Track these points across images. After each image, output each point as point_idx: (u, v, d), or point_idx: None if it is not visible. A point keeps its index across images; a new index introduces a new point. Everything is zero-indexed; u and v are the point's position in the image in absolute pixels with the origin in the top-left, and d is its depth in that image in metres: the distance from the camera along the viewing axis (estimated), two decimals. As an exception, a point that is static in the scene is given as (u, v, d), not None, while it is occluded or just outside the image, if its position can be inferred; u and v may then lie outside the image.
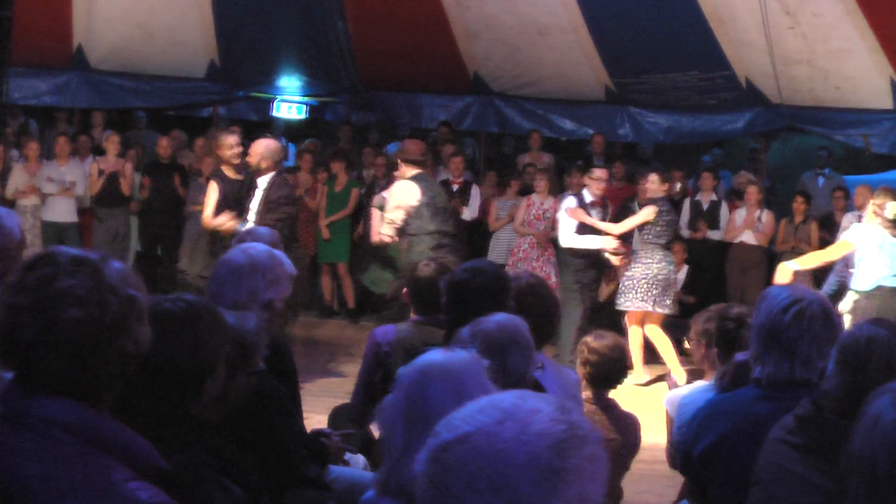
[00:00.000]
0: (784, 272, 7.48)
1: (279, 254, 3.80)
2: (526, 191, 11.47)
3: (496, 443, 1.38)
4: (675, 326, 9.43)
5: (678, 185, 11.49)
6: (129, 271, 2.01)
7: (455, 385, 2.47)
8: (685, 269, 11.15)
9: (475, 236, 11.70)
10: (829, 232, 11.05)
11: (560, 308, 4.30)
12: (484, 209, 11.79)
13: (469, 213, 11.67)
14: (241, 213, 8.08)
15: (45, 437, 1.88)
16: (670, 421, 4.63)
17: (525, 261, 10.64)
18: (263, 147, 8.20)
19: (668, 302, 9.27)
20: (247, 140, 8.96)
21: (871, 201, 8.07)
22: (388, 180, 11.63)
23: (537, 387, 3.33)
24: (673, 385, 8.41)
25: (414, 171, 8.09)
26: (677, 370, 9.00)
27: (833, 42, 10.91)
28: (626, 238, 10.56)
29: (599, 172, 9.67)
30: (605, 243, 9.29)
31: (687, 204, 11.77)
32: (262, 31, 13.26)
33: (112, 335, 1.92)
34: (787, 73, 11.43)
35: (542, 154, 13.04)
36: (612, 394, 4.82)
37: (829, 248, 8.33)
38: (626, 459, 4.67)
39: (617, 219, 9.79)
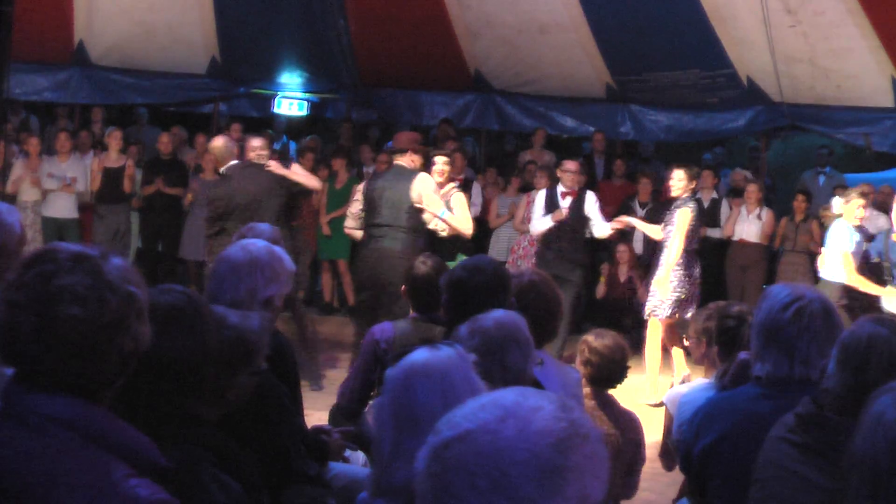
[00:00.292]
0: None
1: (279, 250, 3.79)
2: (527, 188, 11.46)
3: (497, 440, 1.37)
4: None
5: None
6: (129, 268, 2.01)
7: (441, 383, 2.47)
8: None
9: (476, 234, 11.68)
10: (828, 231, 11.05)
11: (562, 306, 4.28)
12: (484, 207, 11.78)
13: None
14: None
15: (45, 433, 1.88)
16: (669, 419, 4.62)
17: (525, 258, 10.64)
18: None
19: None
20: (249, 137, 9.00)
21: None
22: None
23: (536, 385, 3.32)
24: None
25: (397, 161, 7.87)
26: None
27: (834, 41, 10.91)
28: (626, 237, 10.57)
29: (570, 164, 9.63)
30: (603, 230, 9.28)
31: (687, 202, 11.75)
32: (263, 27, 13.25)
33: (111, 333, 1.92)
34: (788, 71, 11.43)
35: (544, 152, 13.03)
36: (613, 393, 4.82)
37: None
38: (627, 457, 4.66)
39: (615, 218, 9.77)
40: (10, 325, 1.91)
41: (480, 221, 11.74)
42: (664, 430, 4.78)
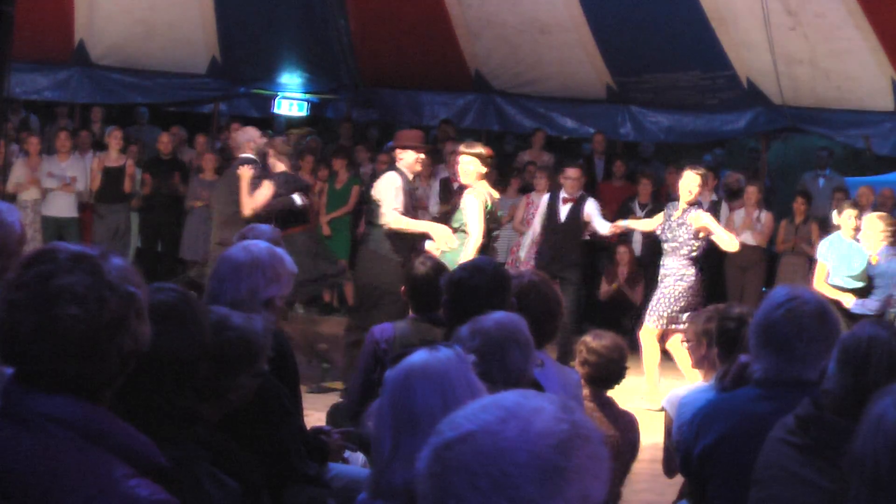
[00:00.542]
0: None
1: (280, 251, 3.79)
2: (526, 189, 11.46)
3: (499, 441, 1.37)
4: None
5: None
6: (129, 268, 2.01)
7: (439, 384, 2.47)
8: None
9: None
10: (829, 233, 11.04)
11: (562, 307, 4.29)
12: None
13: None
14: None
15: (44, 433, 1.88)
16: (669, 422, 4.61)
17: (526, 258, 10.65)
18: None
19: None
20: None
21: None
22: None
23: (536, 386, 3.32)
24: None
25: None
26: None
27: (834, 42, 10.92)
28: (625, 238, 10.57)
29: (571, 171, 9.66)
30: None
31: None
32: (263, 27, 13.26)
33: (111, 333, 1.92)
34: (788, 73, 11.44)
35: (543, 153, 13.03)
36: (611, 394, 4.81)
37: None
38: (625, 458, 4.66)
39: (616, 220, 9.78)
40: (9, 325, 1.91)
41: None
42: (665, 432, 4.77)
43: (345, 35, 13.38)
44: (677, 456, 3.55)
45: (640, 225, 9.38)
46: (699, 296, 8.52)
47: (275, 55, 13.84)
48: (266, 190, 7.96)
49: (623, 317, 10.83)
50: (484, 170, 7.49)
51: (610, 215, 10.25)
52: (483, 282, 3.88)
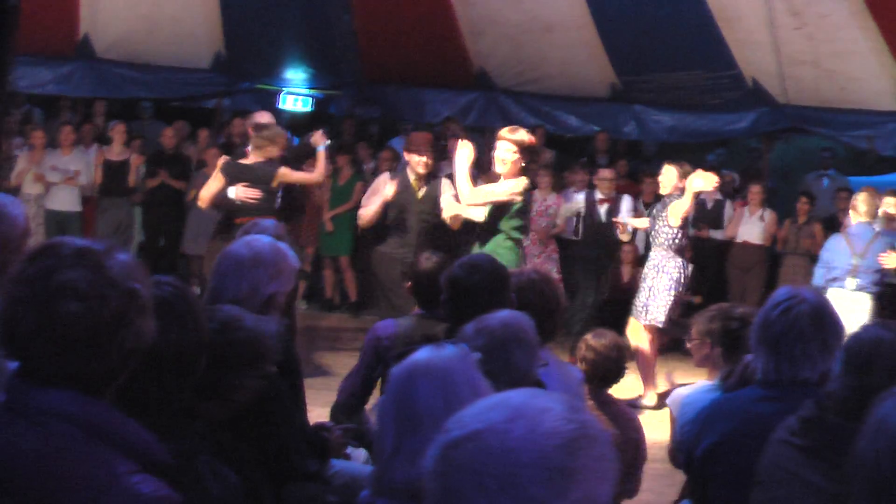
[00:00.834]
0: None
1: (284, 246, 3.79)
2: (528, 186, 11.44)
3: (506, 441, 1.37)
4: (677, 326, 9.39)
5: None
6: (133, 263, 2.00)
7: (442, 382, 2.47)
8: (689, 268, 11.14)
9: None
10: (832, 233, 11.04)
11: (563, 305, 4.29)
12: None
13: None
14: None
15: (47, 428, 1.88)
16: (674, 420, 4.61)
17: (527, 257, 10.63)
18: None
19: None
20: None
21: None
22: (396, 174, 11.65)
23: (539, 385, 3.33)
24: (670, 382, 8.35)
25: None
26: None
27: (839, 43, 10.90)
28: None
29: (605, 172, 9.68)
30: None
31: (690, 202, 11.75)
32: (267, 22, 13.25)
33: (112, 329, 1.91)
34: (792, 73, 11.43)
35: (544, 150, 13.02)
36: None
37: None
38: (626, 456, 4.66)
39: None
40: (11, 320, 1.91)
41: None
42: (671, 431, 4.77)
43: (349, 31, 13.36)
44: (680, 456, 3.55)
45: (637, 222, 9.42)
46: (681, 289, 8.55)
47: (279, 51, 13.83)
48: (214, 182, 8.05)
49: (626, 316, 10.82)
50: (515, 157, 6.82)
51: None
52: (481, 279, 3.90)
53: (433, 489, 1.41)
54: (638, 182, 11.89)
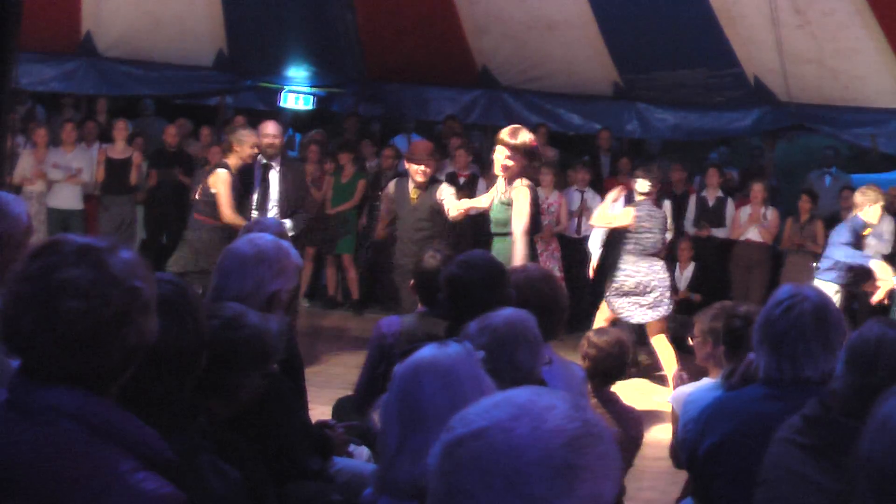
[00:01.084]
0: None
1: (286, 244, 3.79)
2: (530, 185, 11.43)
3: (511, 438, 1.38)
4: (680, 324, 9.40)
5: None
6: (137, 261, 2.00)
7: (447, 380, 2.47)
8: (691, 266, 11.15)
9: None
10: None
11: (565, 303, 4.29)
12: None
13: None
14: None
15: (51, 425, 1.88)
16: (676, 419, 4.61)
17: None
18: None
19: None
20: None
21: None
22: (395, 172, 11.65)
23: (542, 383, 3.33)
24: (680, 380, 8.37)
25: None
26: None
27: (842, 41, 10.89)
28: None
29: (640, 173, 9.66)
30: None
31: (692, 201, 11.75)
32: (270, 20, 13.25)
33: (114, 327, 1.91)
34: (795, 71, 11.42)
35: (547, 148, 13.01)
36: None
37: None
38: (627, 454, 4.66)
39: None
40: (13, 317, 1.91)
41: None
42: (673, 431, 4.76)
43: (351, 29, 13.36)
44: (683, 454, 3.55)
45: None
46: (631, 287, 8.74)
47: (281, 48, 13.83)
48: None
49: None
50: (510, 163, 6.81)
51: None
52: (477, 276, 3.92)
53: (437, 487, 1.41)
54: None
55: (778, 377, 3.10)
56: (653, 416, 7.16)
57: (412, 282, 5.04)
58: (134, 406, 2.06)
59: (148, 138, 12.72)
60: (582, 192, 11.38)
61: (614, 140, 13.15)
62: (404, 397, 2.50)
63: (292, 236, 8.07)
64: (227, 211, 8.05)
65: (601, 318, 8.90)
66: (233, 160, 8.15)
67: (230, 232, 7.77)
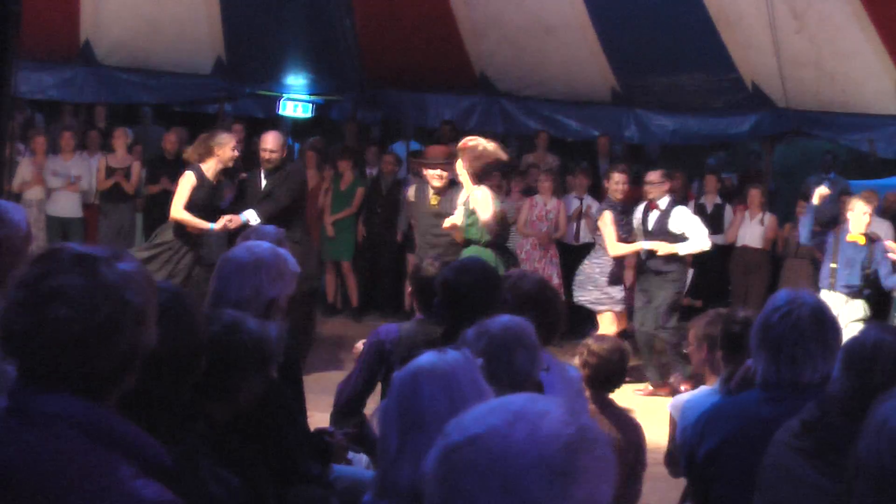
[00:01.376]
0: None
1: (284, 251, 3.81)
2: (529, 192, 11.46)
3: (507, 444, 1.38)
4: (680, 330, 9.40)
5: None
6: (138, 272, 2.00)
7: (447, 386, 2.48)
8: (690, 271, 11.14)
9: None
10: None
11: (561, 308, 4.30)
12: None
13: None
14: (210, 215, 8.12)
15: (51, 432, 1.88)
16: (674, 427, 4.60)
17: (527, 262, 10.64)
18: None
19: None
20: (255, 137, 8.96)
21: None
22: (394, 178, 11.67)
23: (539, 389, 3.33)
24: (676, 387, 8.43)
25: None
26: None
27: (840, 45, 10.91)
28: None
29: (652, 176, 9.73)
30: None
31: (691, 206, 11.76)
32: (269, 28, 13.27)
33: (103, 336, 1.91)
34: (793, 75, 11.43)
35: (547, 155, 13.03)
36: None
37: None
38: (628, 460, 4.66)
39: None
40: (7, 321, 1.93)
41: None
42: (669, 437, 4.77)
43: (350, 36, 13.38)
44: (681, 459, 3.55)
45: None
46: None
47: (280, 56, 13.85)
48: None
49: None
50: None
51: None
52: (472, 281, 3.93)
53: (434, 493, 1.42)
54: (639, 185, 11.87)
55: (776, 381, 3.11)
56: (651, 421, 7.15)
57: (409, 288, 5.04)
58: (133, 412, 2.06)
59: (146, 145, 12.73)
60: (581, 199, 11.35)
61: (613, 145, 13.16)
62: (404, 402, 2.51)
63: None
64: (174, 209, 8.05)
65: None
66: (213, 164, 8.07)
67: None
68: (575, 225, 11.29)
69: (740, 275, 11.33)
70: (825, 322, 3.12)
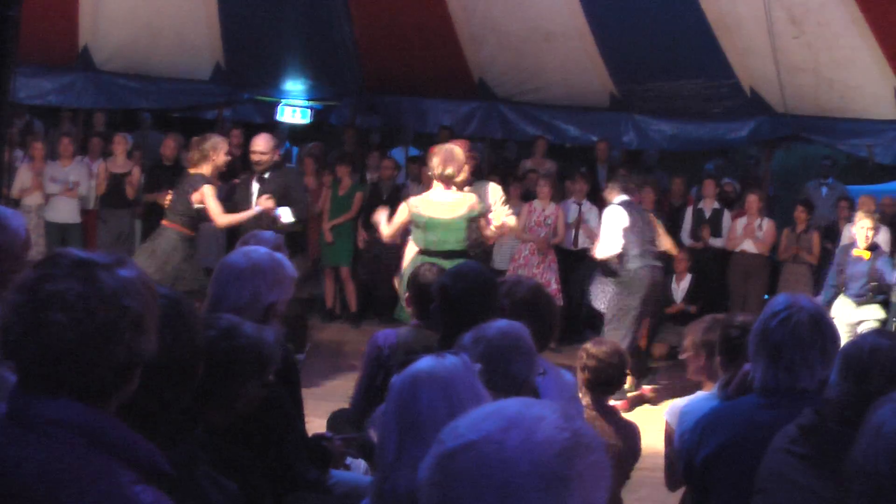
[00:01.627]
0: None
1: (281, 256, 3.80)
2: (528, 197, 11.46)
3: (502, 451, 1.38)
4: (676, 335, 9.41)
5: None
6: (137, 279, 1.99)
7: (445, 391, 2.48)
8: (688, 277, 11.15)
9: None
10: (831, 241, 11.07)
11: (557, 314, 4.31)
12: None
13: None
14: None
15: (49, 437, 1.88)
16: (670, 433, 4.58)
17: (526, 267, 10.65)
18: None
19: None
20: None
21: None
22: (393, 183, 11.67)
23: (535, 394, 3.34)
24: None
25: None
26: None
27: (838, 51, 10.92)
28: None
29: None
30: None
31: (689, 212, 11.77)
32: (267, 33, 13.28)
33: (98, 343, 1.91)
34: (791, 81, 11.44)
35: (545, 160, 13.03)
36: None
37: None
38: (626, 466, 4.66)
39: None
40: (6, 325, 1.93)
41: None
42: (666, 450, 4.72)
43: (349, 41, 13.39)
44: (679, 464, 3.55)
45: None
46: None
47: (279, 61, 13.86)
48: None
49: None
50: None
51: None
52: (466, 287, 3.93)
53: (430, 500, 1.42)
54: (638, 191, 11.88)
55: (774, 387, 3.11)
56: (649, 426, 7.15)
57: (407, 294, 5.05)
58: (131, 418, 2.06)
59: (145, 152, 12.73)
60: (579, 204, 11.35)
61: (611, 151, 13.17)
62: (402, 408, 2.51)
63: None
64: (219, 219, 8.01)
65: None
66: (207, 169, 8.06)
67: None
68: (573, 230, 11.28)
69: (739, 280, 11.34)
70: (823, 328, 3.12)
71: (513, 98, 13.54)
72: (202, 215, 7.99)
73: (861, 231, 9.01)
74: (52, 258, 1.98)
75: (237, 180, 9.12)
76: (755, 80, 11.78)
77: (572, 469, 1.38)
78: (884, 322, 8.93)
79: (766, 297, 10.90)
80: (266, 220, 7.93)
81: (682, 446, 3.55)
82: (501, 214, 7.45)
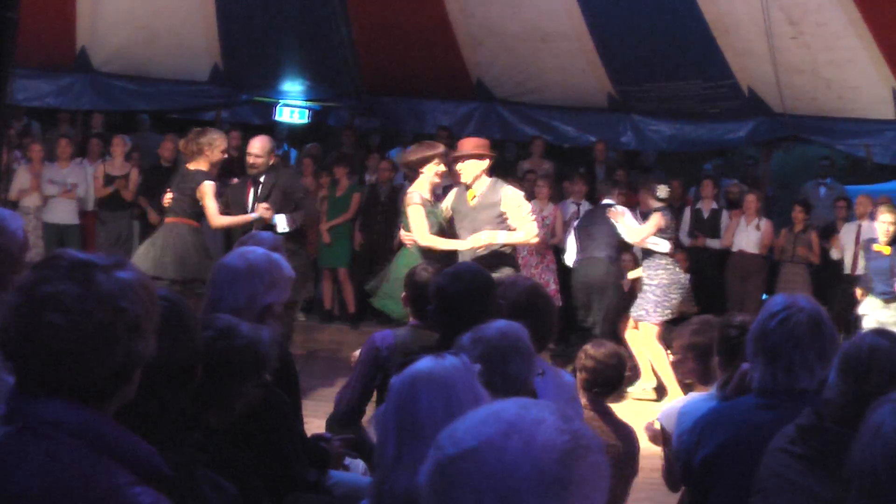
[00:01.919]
0: None
1: (278, 257, 3.80)
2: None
3: (503, 456, 1.38)
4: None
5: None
6: (137, 282, 1.99)
7: (444, 392, 2.48)
8: (687, 277, 11.15)
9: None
10: (829, 241, 11.08)
11: (555, 314, 4.31)
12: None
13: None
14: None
15: (48, 439, 1.88)
16: (668, 438, 4.57)
17: (524, 267, 10.63)
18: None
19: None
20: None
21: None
22: (391, 184, 11.67)
23: (533, 394, 3.34)
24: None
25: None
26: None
27: (836, 52, 10.93)
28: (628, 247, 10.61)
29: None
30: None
31: (688, 212, 11.77)
32: (265, 35, 13.27)
33: (95, 345, 1.91)
34: (789, 82, 11.45)
35: (543, 161, 13.03)
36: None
37: None
38: (625, 467, 4.65)
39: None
40: (4, 326, 1.93)
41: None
42: (664, 452, 4.70)
43: (347, 43, 13.39)
44: (678, 465, 3.55)
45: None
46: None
47: (277, 63, 13.85)
48: None
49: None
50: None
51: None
52: (462, 287, 3.93)
53: None
54: (636, 192, 11.89)
55: (772, 387, 3.11)
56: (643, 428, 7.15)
57: (404, 294, 5.04)
58: (130, 420, 2.06)
59: (143, 153, 12.72)
60: (578, 205, 11.35)
61: (609, 152, 13.17)
62: (402, 408, 2.51)
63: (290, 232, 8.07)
64: (214, 219, 7.98)
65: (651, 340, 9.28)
66: (203, 165, 8.02)
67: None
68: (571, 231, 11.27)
69: (737, 280, 11.34)
70: (822, 328, 3.12)
71: (511, 99, 13.55)
72: (202, 211, 8.00)
73: (882, 226, 8.92)
74: (50, 260, 1.98)
75: (235, 179, 9.10)
76: (753, 81, 11.79)
77: (573, 472, 1.38)
78: None
79: (764, 297, 10.91)
80: (259, 226, 7.92)
81: (680, 447, 3.55)
82: (524, 223, 7.15)
